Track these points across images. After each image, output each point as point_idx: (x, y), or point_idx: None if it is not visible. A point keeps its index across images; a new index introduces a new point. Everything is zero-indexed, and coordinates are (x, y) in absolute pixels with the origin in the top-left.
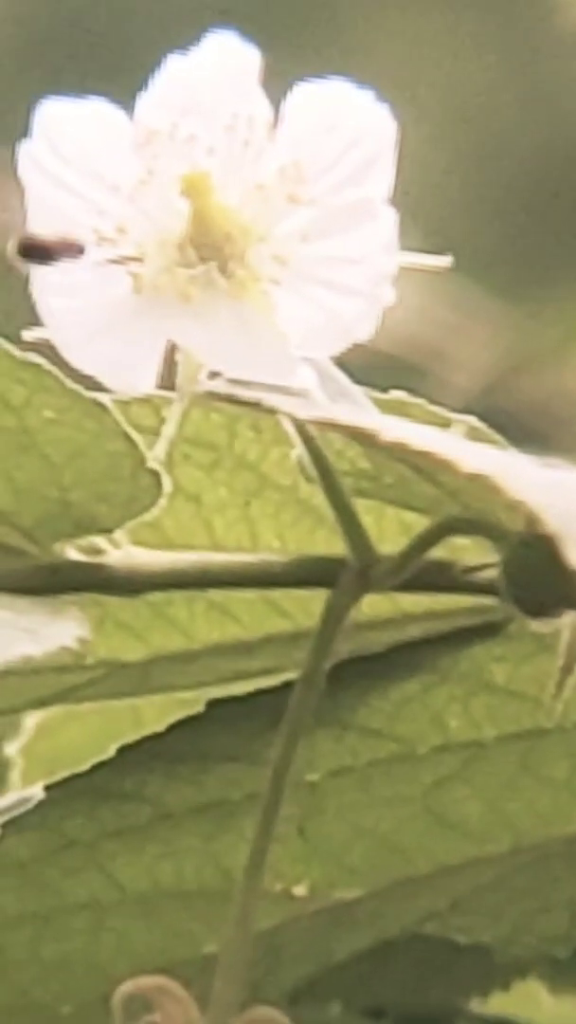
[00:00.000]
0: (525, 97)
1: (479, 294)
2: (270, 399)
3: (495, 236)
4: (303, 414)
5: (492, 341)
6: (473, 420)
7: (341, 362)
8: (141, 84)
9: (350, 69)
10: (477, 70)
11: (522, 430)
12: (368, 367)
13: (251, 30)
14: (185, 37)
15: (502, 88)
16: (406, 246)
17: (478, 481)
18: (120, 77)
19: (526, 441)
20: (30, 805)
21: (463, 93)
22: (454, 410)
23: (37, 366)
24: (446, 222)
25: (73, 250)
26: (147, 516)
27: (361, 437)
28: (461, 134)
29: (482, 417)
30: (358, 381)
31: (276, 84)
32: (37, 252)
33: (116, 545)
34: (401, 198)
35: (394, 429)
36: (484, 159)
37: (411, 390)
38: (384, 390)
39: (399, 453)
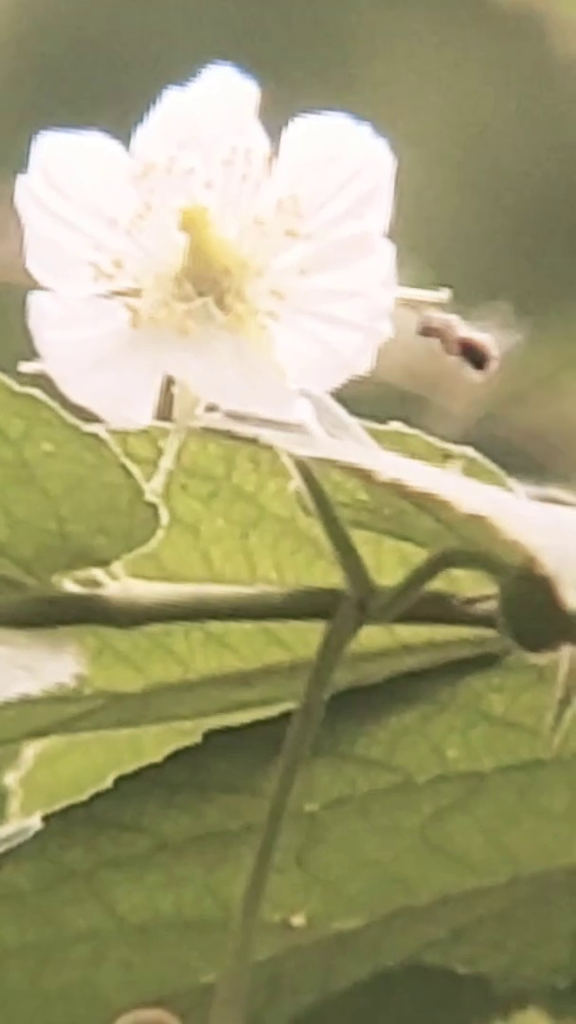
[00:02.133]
0: (523, 128)
1: (476, 324)
2: (267, 435)
3: (493, 267)
4: (300, 451)
5: (489, 370)
6: (470, 451)
7: (338, 392)
8: (138, 118)
9: (348, 103)
10: (474, 103)
11: (520, 458)
12: (366, 397)
13: (249, 64)
14: (183, 71)
15: (500, 120)
16: (404, 279)
17: (475, 521)
18: (117, 110)
19: (524, 469)
20: (29, 835)
21: (460, 125)
22: (452, 440)
23: (34, 399)
24: (444, 254)
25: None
26: (145, 548)
27: (358, 474)
28: (460, 167)
29: (480, 446)
30: (355, 411)
31: (274, 118)
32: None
33: (114, 577)
34: (399, 231)
35: (391, 468)
36: (482, 191)
37: (409, 419)
38: (382, 420)
39: (396, 491)
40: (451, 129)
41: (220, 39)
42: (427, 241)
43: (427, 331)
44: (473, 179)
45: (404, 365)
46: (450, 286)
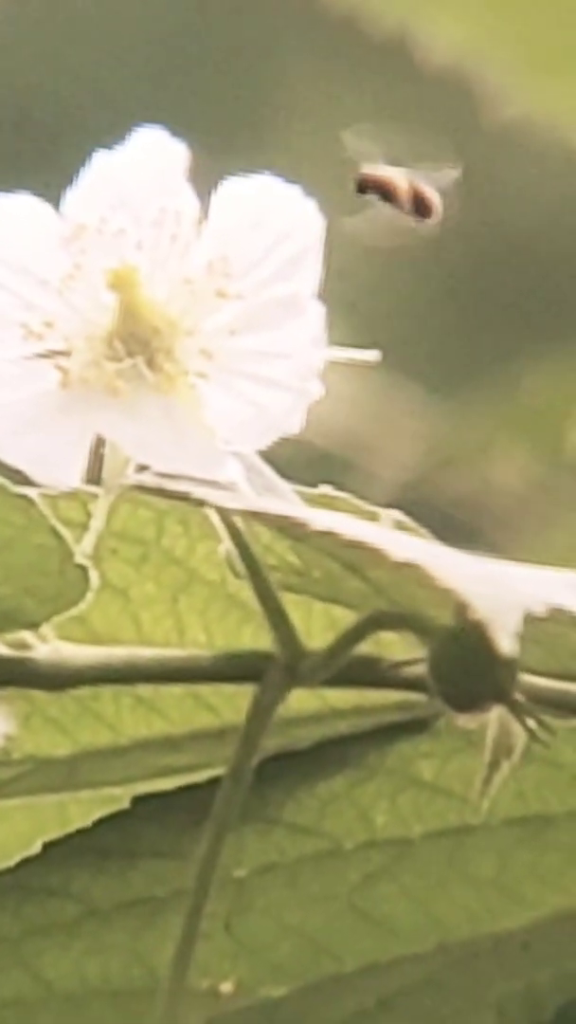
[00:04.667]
0: (453, 190)
1: (407, 388)
2: (198, 492)
3: (423, 330)
4: (231, 506)
5: (420, 435)
6: (399, 515)
7: (268, 456)
8: (69, 179)
9: (277, 164)
10: None
11: (449, 525)
12: (295, 460)
13: (178, 126)
14: (113, 134)
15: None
16: (334, 340)
17: (407, 570)
18: (48, 172)
19: (453, 535)
20: None
21: None
22: (381, 504)
23: None
24: (375, 316)
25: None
26: (74, 611)
27: (290, 528)
28: None
29: (409, 511)
30: (285, 475)
31: (204, 179)
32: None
33: (43, 639)
34: (329, 292)
35: (323, 520)
36: (413, 253)
37: (338, 484)
38: (311, 484)
39: (328, 544)
40: None
41: (150, 102)
42: (358, 302)
43: (365, 185)
44: (404, 240)
45: (333, 428)
46: (381, 348)
